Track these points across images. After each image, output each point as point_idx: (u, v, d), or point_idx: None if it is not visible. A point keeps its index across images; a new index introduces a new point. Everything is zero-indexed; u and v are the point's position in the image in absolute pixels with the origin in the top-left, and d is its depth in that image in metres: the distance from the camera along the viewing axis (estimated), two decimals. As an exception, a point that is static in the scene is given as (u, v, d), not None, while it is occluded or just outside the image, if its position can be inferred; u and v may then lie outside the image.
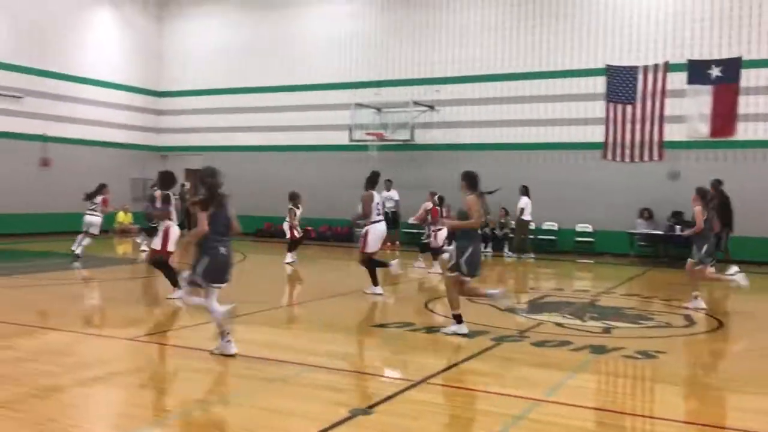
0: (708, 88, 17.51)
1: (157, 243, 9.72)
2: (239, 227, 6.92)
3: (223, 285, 6.71)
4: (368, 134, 20.45)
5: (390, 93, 20.93)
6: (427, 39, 20.90)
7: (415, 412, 5.07)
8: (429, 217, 14.74)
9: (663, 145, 18.05)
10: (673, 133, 17.95)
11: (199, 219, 6.45)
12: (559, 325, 8.60)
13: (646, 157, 18.20)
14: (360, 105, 20.79)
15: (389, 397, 5.34)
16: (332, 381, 6.00)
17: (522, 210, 17.72)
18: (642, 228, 17.82)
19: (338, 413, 4.92)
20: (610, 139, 18.58)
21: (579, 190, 18.71)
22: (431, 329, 8.07)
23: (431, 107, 20.55)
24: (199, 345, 6.97)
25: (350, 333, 8.11)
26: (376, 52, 21.61)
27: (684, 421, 5.18)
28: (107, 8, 23.41)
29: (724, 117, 17.42)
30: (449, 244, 10.79)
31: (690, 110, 17.76)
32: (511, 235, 18.58)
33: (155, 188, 10.56)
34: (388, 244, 19.63)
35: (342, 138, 21.18)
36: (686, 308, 9.95)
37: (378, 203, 10.66)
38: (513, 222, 18.44)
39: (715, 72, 17.42)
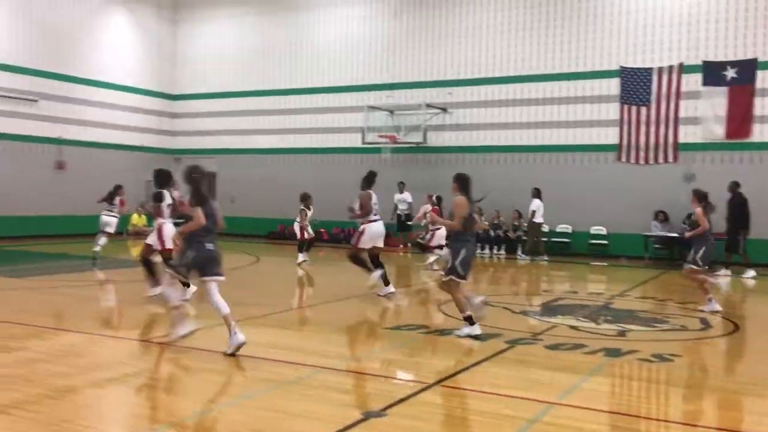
0: (723, 90, 17.38)
1: (154, 240, 9.73)
2: (223, 223, 7.22)
3: (220, 278, 6.90)
4: (381, 137, 20.45)
5: (403, 96, 20.93)
6: (440, 41, 20.88)
7: (429, 414, 5.05)
8: (427, 217, 14.76)
9: (678, 147, 17.92)
10: (688, 135, 17.82)
11: (195, 214, 6.67)
12: (573, 327, 8.54)
13: (660, 159, 18.08)
14: (373, 108, 20.80)
15: (402, 400, 5.32)
16: (345, 383, 5.99)
17: (534, 212, 17.69)
18: (657, 230, 17.69)
19: (351, 415, 4.90)
20: (625, 141, 18.48)
21: (593, 193, 18.62)
22: (444, 332, 8.04)
23: (444, 110, 20.52)
24: (212, 347, 6.98)
25: (363, 335, 8.10)
26: (389, 55, 21.61)
27: (700, 425, 5.12)
28: (122, 12, 23.57)
29: (740, 118, 17.28)
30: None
31: (705, 112, 17.62)
32: (524, 238, 18.52)
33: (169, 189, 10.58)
34: (401, 246, 19.66)
35: (355, 140, 21.20)
36: (702, 311, 9.86)
37: (375, 203, 10.73)
38: (525, 224, 18.39)
39: (731, 73, 17.28)
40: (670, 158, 17.99)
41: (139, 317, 8.99)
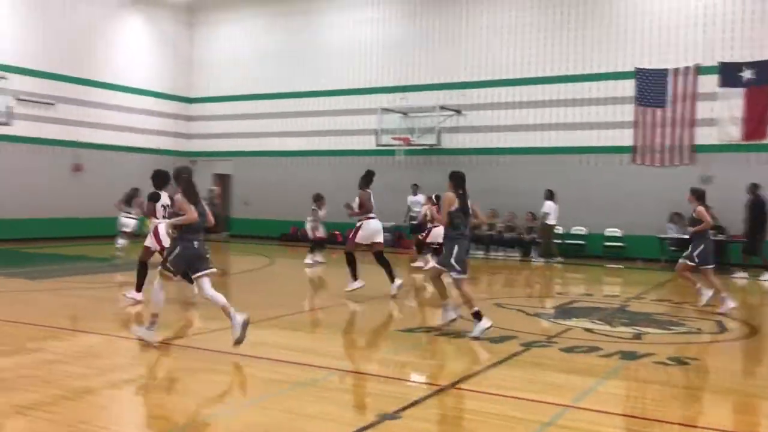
0: (740, 91, 17.23)
1: (151, 242, 9.79)
2: (212, 221, 7.45)
3: (211, 271, 7.17)
4: (395, 139, 20.46)
5: (417, 98, 20.92)
6: (454, 43, 20.86)
7: (443, 417, 5.05)
8: (429, 216, 14.87)
9: (694, 148, 17.80)
10: (704, 136, 17.68)
11: (188, 210, 6.93)
12: (588, 330, 8.50)
13: (676, 161, 17.96)
14: (386, 110, 20.82)
15: (417, 402, 5.32)
16: (359, 385, 6.00)
17: (546, 214, 17.68)
18: (673, 232, 17.55)
19: (365, 418, 4.91)
20: (640, 143, 18.37)
21: (608, 194, 18.52)
22: (459, 334, 8.03)
23: (458, 111, 20.50)
24: (229, 349, 7.02)
25: (377, 337, 8.10)
26: (403, 57, 21.61)
27: (717, 428, 5.08)
28: (138, 16, 23.77)
29: (757, 120, 17.12)
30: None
31: (721, 113, 17.48)
32: (538, 240, 18.47)
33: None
34: (414, 248, 19.63)
35: (369, 143, 21.23)
36: (720, 313, 9.79)
37: (372, 202, 10.98)
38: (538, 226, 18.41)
39: (747, 74, 17.13)
40: (686, 160, 17.86)
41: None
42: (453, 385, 5.83)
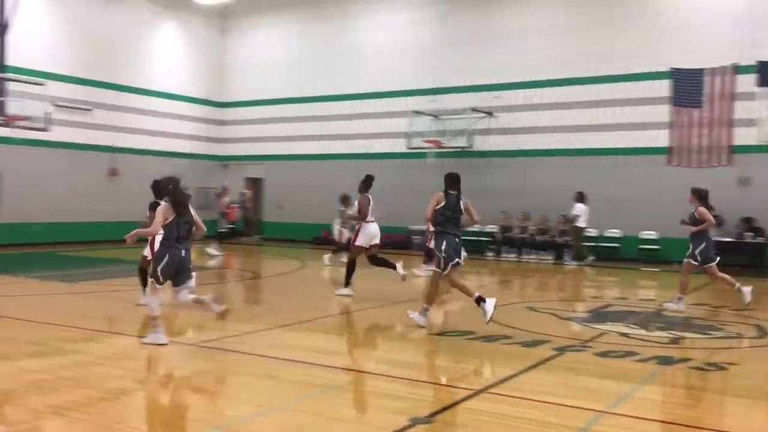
0: (779, 91, 16.84)
1: (147, 251, 9.87)
2: (203, 228, 7.61)
3: (190, 285, 7.39)
4: (426, 142, 20.42)
5: (448, 100, 20.85)
6: (485, 45, 20.74)
7: (476, 421, 5.00)
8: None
9: (732, 149, 17.45)
10: (742, 137, 17.32)
11: (154, 222, 7.22)
12: (623, 335, 8.37)
13: (713, 162, 17.62)
14: (417, 112, 20.79)
15: (449, 406, 5.29)
16: (391, 389, 5.98)
17: (576, 217, 17.54)
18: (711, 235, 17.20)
19: (398, 421, 4.89)
20: (676, 144, 18.07)
21: (643, 196, 18.24)
22: (491, 338, 7.97)
23: (489, 113, 20.38)
24: (261, 351, 7.06)
25: (409, 341, 8.08)
26: (433, 60, 21.56)
27: (758, 436, 4.96)
28: (172, 22, 24.13)
29: (797, 120, 16.73)
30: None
31: (760, 113, 17.08)
32: (571, 243, 18.28)
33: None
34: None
35: (399, 146, 21.22)
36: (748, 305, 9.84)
37: (372, 206, 11.16)
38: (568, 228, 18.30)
39: (787, 73, 16.74)
40: (724, 161, 17.52)
41: (190, 321, 9.15)
42: (486, 389, 5.78)
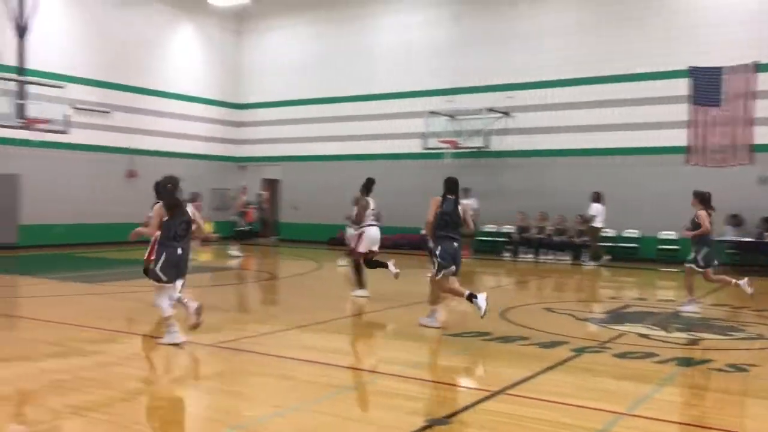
0: (801, 88, 16.64)
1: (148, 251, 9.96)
2: (203, 228, 7.82)
3: (178, 282, 7.43)
4: (442, 142, 20.39)
5: (464, 100, 20.79)
6: (501, 45, 20.67)
7: (493, 423, 4.99)
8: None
9: (752, 148, 17.25)
10: (763, 135, 17.12)
11: (152, 221, 7.42)
12: (642, 336, 8.30)
13: (733, 161, 17.43)
14: (434, 113, 20.76)
15: (466, 408, 5.27)
16: (408, 389, 5.97)
17: (593, 217, 17.46)
18: (730, 235, 17.04)
19: (415, 422, 4.89)
20: (695, 143, 17.90)
21: (661, 196, 18.07)
22: (508, 338, 7.94)
23: (506, 113, 20.31)
24: (278, 352, 7.09)
25: (425, 341, 8.06)
26: (449, 60, 21.52)
27: (780, 439, 4.90)
28: (189, 25, 24.30)
29: (819, 117, 16.52)
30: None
31: (781, 111, 16.91)
32: (588, 243, 18.17)
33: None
34: (464, 252, 19.49)
35: (416, 146, 21.21)
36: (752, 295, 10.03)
37: (372, 209, 11.13)
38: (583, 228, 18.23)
39: (808, 71, 16.53)
40: (744, 160, 17.32)
41: (209, 322, 9.20)
42: (503, 390, 5.76)
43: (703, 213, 10.26)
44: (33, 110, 18.08)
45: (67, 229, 20.06)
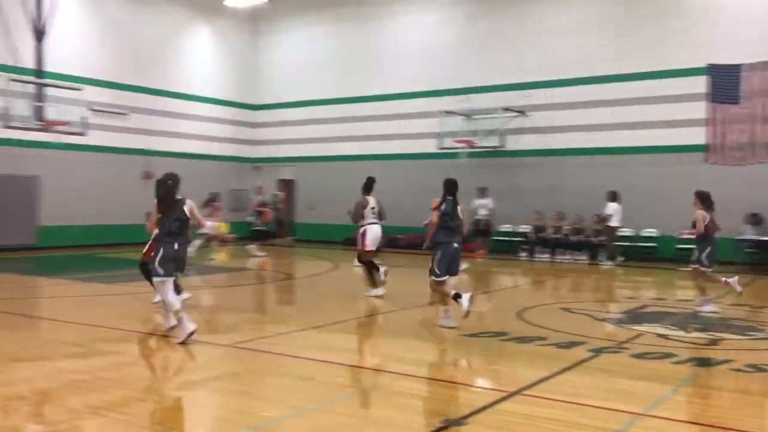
0: (821, 85, 16.41)
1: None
2: (203, 222, 8.17)
3: (174, 276, 7.64)
4: (457, 141, 20.34)
5: (479, 99, 20.72)
6: (516, 43, 20.57)
7: (510, 423, 4.96)
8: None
9: (772, 146, 17.06)
10: (782, 133, 16.92)
11: (150, 218, 7.71)
12: (661, 336, 8.23)
13: (753, 160, 17.23)
14: (448, 112, 20.71)
15: (483, 408, 5.25)
16: (424, 390, 5.96)
17: (609, 216, 17.35)
18: (750, 234, 16.85)
19: (431, 423, 4.88)
20: (713, 141, 17.72)
21: (680, 195, 17.77)
22: (525, 339, 7.90)
23: (522, 112, 20.22)
24: (294, 352, 7.10)
25: (441, 342, 8.05)
26: (464, 59, 21.45)
27: (802, 440, 4.84)
28: (204, 26, 24.42)
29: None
30: None
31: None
32: (605, 243, 18.05)
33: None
34: (481, 251, 19.46)
35: (431, 146, 21.17)
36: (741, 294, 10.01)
37: (373, 207, 11.24)
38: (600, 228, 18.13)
39: (829, 67, 16.31)
40: (764, 158, 17.12)
41: (226, 322, 9.26)
42: (520, 391, 5.73)
43: (699, 213, 10.19)
44: (51, 112, 18.26)
45: (84, 230, 20.23)
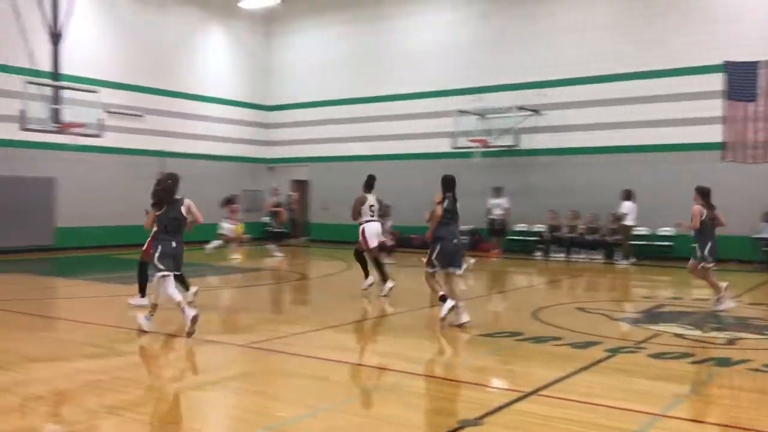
0: (840, 81, 16.22)
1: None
2: (200, 218, 8.25)
3: (176, 272, 7.99)
4: (471, 141, 20.28)
5: (493, 99, 20.65)
6: (530, 42, 20.48)
7: (526, 424, 4.94)
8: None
9: (790, 143, 16.88)
10: (800, 130, 16.74)
11: (149, 216, 8.00)
12: (678, 335, 8.17)
13: (770, 157, 17.06)
14: (463, 112, 20.66)
15: (499, 408, 5.23)
16: (440, 390, 5.95)
17: (624, 215, 17.24)
18: (767, 232, 16.69)
19: (447, 423, 4.87)
20: (730, 139, 17.56)
21: (696, 194, 17.74)
22: (541, 339, 7.86)
23: (536, 111, 20.13)
24: (309, 352, 7.11)
25: (457, 342, 8.03)
26: (478, 58, 21.39)
27: (822, 441, 4.78)
28: (218, 28, 24.54)
29: None
30: None
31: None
32: (620, 242, 17.93)
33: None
34: (496, 251, 19.41)
35: (445, 145, 21.13)
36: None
37: (372, 205, 11.42)
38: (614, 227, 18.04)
39: None
40: (782, 156, 16.95)
41: (241, 323, 9.29)
42: (536, 391, 5.70)
43: (696, 208, 10.16)
44: (68, 115, 18.40)
45: (102, 231, 20.39)
